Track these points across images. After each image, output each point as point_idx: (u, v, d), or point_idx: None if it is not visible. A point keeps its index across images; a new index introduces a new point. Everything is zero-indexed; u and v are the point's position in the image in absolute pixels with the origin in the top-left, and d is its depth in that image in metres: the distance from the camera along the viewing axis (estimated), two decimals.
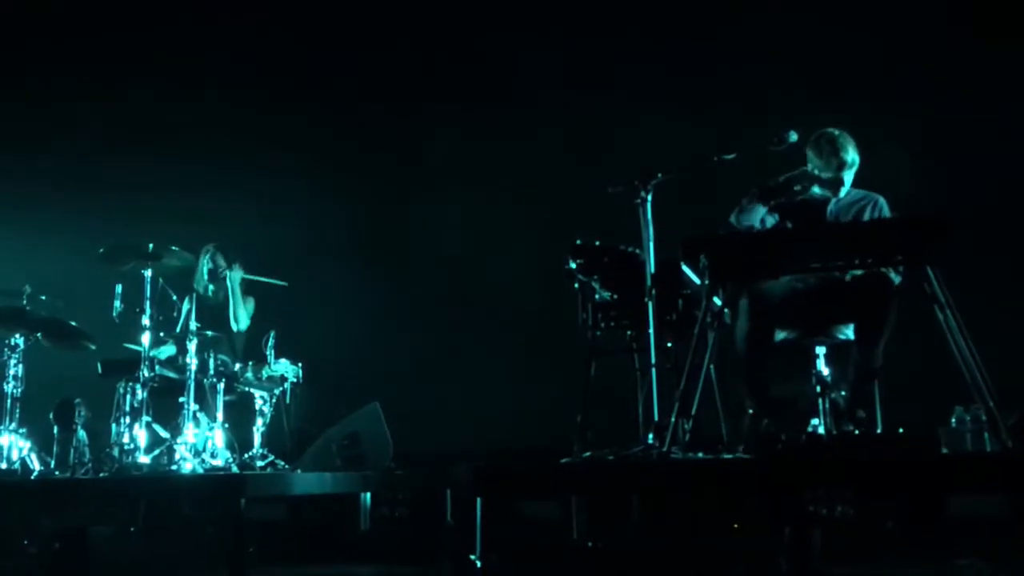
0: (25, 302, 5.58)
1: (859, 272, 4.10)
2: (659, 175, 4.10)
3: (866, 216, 4.44)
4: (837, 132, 4.40)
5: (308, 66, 7.42)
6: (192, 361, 5.29)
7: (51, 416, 5.57)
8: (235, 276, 6.10)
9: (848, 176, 4.41)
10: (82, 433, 5.50)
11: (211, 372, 5.44)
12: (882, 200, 4.48)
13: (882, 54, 6.10)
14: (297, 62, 7.44)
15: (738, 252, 3.90)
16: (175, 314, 5.79)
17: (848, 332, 4.28)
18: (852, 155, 4.38)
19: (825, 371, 4.24)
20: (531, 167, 6.72)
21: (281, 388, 5.69)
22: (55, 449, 5.52)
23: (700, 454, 3.73)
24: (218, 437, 5.32)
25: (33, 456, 5.45)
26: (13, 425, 5.43)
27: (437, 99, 7.22)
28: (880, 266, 4.09)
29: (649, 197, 4.09)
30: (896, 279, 4.19)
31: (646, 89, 6.55)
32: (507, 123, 6.94)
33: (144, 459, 5.08)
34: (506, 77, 7.01)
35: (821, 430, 4.06)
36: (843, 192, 4.46)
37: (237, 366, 5.67)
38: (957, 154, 5.75)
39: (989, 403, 3.47)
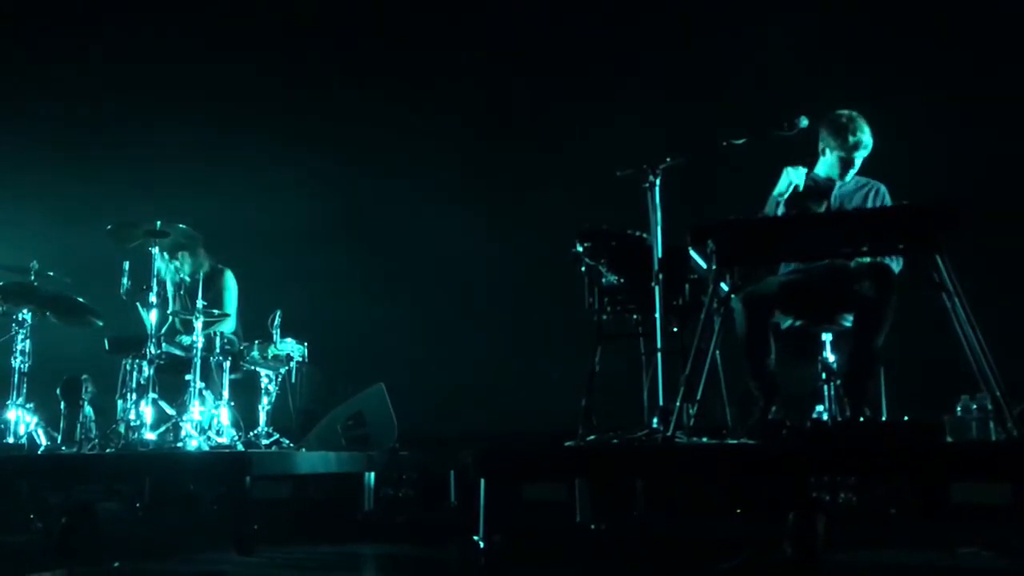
0: (33, 278, 5.58)
1: (864, 260, 4.10)
2: (668, 159, 4.09)
3: (869, 203, 4.44)
4: (854, 113, 4.40)
5: (308, 45, 7.41)
6: (198, 339, 5.30)
7: (58, 392, 5.58)
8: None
9: (860, 158, 4.40)
10: (89, 409, 5.52)
11: (217, 350, 5.45)
12: (883, 188, 4.48)
13: (894, 39, 6.06)
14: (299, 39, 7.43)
15: (746, 238, 3.89)
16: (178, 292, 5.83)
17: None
18: (868, 137, 4.38)
19: (831, 358, 4.24)
20: (539, 150, 6.70)
21: (287, 367, 5.70)
22: (62, 425, 5.54)
23: (704, 439, 3.74)
24: (223, 415, 5.33)
25: (40, 431, 5.48)
26: (20, 400, 5.45)
27: (445, 79, 7.20)
28: (890, 253, 4.09)
29: (658, 181, 4.08)
30: (896, 267, 4.18)
31: (655, 72, 6.52)
32: (512, 105, 6.91)
33: (150, 436, 5.10)
34: (510, 58, 6.98)
35: (826, 417, 4.06)
36: (851, 175, 4.45)
37: (243, 345, 5.68)
38: (962, 140, 5.71)
39: (995, 392, 3.46)
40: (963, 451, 3.51)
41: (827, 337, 4.35)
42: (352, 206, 7.12)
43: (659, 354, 4.02)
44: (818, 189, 4.51)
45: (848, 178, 4.47)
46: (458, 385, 6.44)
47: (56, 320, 5.76)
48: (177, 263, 5.73)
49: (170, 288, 5.77)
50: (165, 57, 7.47)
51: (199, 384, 5.26)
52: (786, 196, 4.32)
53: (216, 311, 5.63)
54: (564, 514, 4.92)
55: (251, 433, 5.46)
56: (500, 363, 6.45)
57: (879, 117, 4.54)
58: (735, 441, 3.76)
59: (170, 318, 5.75)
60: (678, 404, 3.68)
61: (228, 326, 5.89)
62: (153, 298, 5.24)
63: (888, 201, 4.44)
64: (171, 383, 5.42)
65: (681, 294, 4.33)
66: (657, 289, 4.00)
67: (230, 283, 6.04)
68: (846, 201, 4.46)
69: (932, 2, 6.02)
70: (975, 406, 3.66)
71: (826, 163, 4.50)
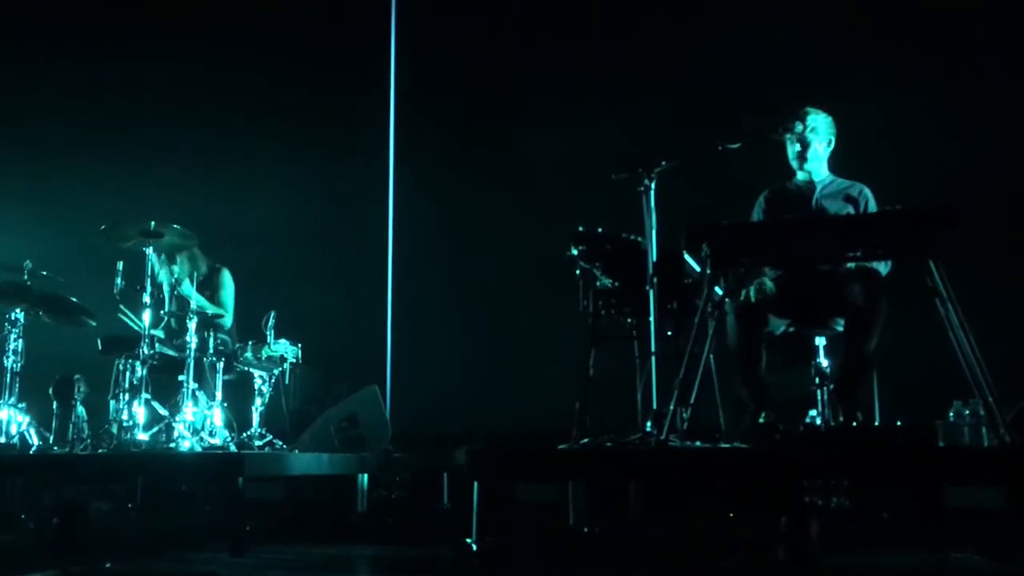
0: (26, 277, 5.57)
1: (851, 265, 4.12)
2: (663, 163, 4.10)
3: (850, 205, 4.45)
4: (810, 108, 4.50)
5: (305, 45, 7.41)
6: (192, 339, 5.29)
7: (50, 391, 5.56)
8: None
9: (808, 142, 4.44)
10: (81, 409, 5.50)
11: (210, 351, 5.44)
12: (867, 190, 4.49)
13: (892, 44, 6.08)
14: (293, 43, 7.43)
15: (740, 242, 3.90)
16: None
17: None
18: (820, 124, 4.46)
19: (825, 363, 4.25)
20: (534, 152, 6.70)
21: (280, 368, 5.68)
22: (54, 424, 5.52)
23: (698, 443, 3.74)
24: (217, 416, 5.32)
25: (32, 431, 5.46)
26: (12, 400, 5.43)
27: (443, 80, 7.20)
28: (884, 258, 4.10)
29: (652, 185, 4.09)
30: (884, 269, 4.20)
31: (650, 75, 6.53)
32: (509, 106, 6.91)
33: (143, 436, 5.08)
34: (507, 60, 6.99)
35: (819, 422, 4.07)
36: (817, 167, 4.50)
37: (236, 345, 5.67)
38: (954, 143, 5.73)
39: (988, 397, 3.47)
40: (955, 456, 3.52)
41: (820, 342, 4.36)
42: (346, 207, 7.11)
43: (653, 358, 4.02)
44: (800, 193, 4.54)
45: (814, 171, 4.50)
46: (452, 387, 6.43)
47: (49, 320, 5.74)
48: (176, 267, 5.71)
49: (166, 288, 5.76)
50: (162, 56, 7.47)
51: (192, 385, 5.24)
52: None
53: (210, 309, 5.64)
54: (557, 516, 4.91)
55: (244, 434, 5.45)
56: (494, 365, 6.45)
57: (871, 120, 4.56)
58: (728, 445, 3.76)
59: (165, 318, 5.73)
60: (672, 407, 3.68)
61: (225, 322, 5.89)
62: (147, 298, 5.22)
63: (872, 203, 4.46)
64: (164, 383, 5.41)
65: (675, 298, 4.33)
66: (651, 293, 4.00)
67: (227, 281, 6.05)
68: (828, 203, 4.47)
69: (926, 6, 6.04)
70: (968, 411, 3.66)
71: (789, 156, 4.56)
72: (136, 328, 5.28)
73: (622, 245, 4.38)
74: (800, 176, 4.57)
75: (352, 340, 6.73)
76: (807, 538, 3.61)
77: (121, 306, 5.35)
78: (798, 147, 4.49)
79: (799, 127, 4.45)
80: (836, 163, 4.61)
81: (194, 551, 4.68)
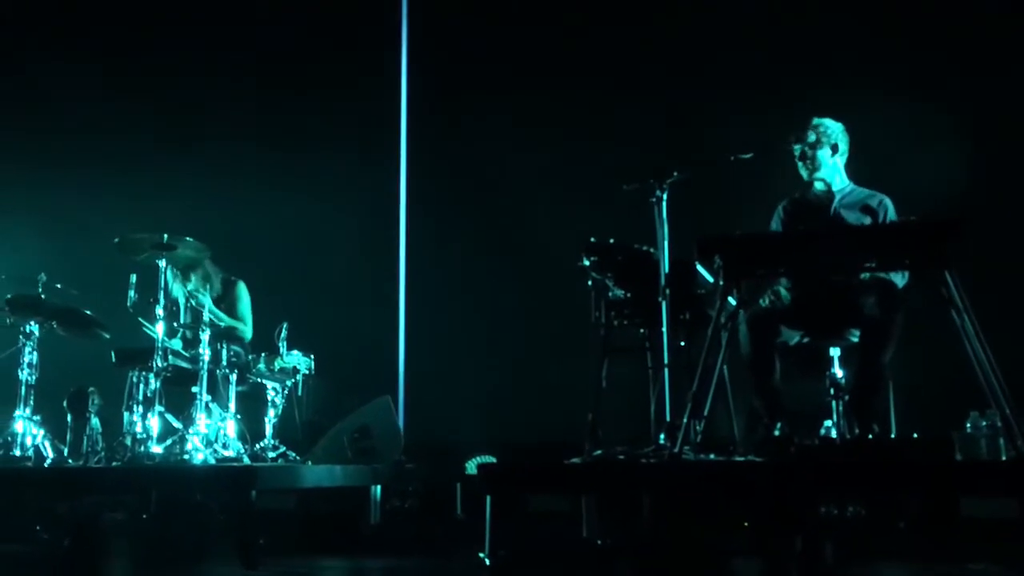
0: (40, 290, 5.59)
1: (865, 276, 4.10)
2: (675, 174, 4.09)
3: (868, 216, 4.42)
4: (816, 119, 4.48)
5: (308, 55, 7.43)
6: (205, 352, 5.30)
7: (65, 404, 5.57)
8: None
9: (815, 152, 4.42)
10: (95, 421, 5.50)
11: (224, 363, 5.45)
12: (888, 200, 4.45)
13: (904, 51, 6.05)
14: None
15: (752, 252, 3.88)
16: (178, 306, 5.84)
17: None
18: (826, 134, 4.42)
19: (839, 373, 4.22)
20: (546, 163, 6.69)
21: (293, 380, 5.70)
22: (68, 437, 5.53)
23: (712, 455, 3.72)
24: (230, 428, 5.33)
25: (47, 443, 5.47)
26: (27, 412, 5.44)
27: (453, 89, 7.21)
28: (897, 269, 4.07)
29: (664, 196, 4.08)
30: (900, 282, 4.17)
31: (663, 86, 6.52)
32: (518, 116, 6.91)
33: (156, 448, 5.08)
34: (515, 68, 6.99)
35: (834, 433, 4.04)
36: (822, 173, 4.47)
37: (249, 357, 5.68)
38: (968, 150, 5.69)
39: (1005, 408, 3.44)
40: (972, 469, 3.48)
41: (835, 352, 4.33)
42: (359, 218, 7.12)
43: (666, 369, 4.01)
44: (818, 202, 4.51)
45: (838, 183, 4.48)
46: (464, 397, 6.42)
47: (63, 332, 5.76)
48: (190, 284, 5.74)
49: (181, 301, 5.78)
50: (173, 67, 7.49)
51: (206, 397, 5.25)
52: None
53: (224, 322, 5.65)
54: (570, 527, 4.90)
55: (257, 446, 5.45)
56: (506, 376, 6.44)
57: (889, 129, 4.53)
58: (743, 458, 3.74)
59: (180, 331, 5.75)
60: (685, 420, 3.66)
61: (245, 334, 5.91)
62: (160, 311, 5.23)
63: (891, 212, 4.43)
64: (178, 396, 5.42)
65: (688, 309, 4.31)
66: (664, 304, 3.99)
67: (243, 294, 6.07)
68: (846, 213, 4.44)
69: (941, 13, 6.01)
70: (985, 422, 3.63)
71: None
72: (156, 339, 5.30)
73: (634, 256, 4.36)
74: (818, 185, 4.53)
75: (364, 351, 6.72)
76: (821, 556, 3.59)
77: (140, 319, 5.37)
78: (805, 156, 4.46)
79: (809, 136, 4.43)
80: (851, 172, 4.58)
81: (207, 563, 4.68)
